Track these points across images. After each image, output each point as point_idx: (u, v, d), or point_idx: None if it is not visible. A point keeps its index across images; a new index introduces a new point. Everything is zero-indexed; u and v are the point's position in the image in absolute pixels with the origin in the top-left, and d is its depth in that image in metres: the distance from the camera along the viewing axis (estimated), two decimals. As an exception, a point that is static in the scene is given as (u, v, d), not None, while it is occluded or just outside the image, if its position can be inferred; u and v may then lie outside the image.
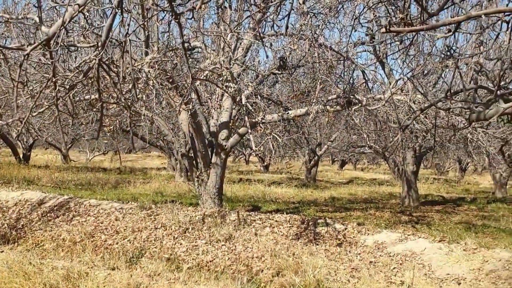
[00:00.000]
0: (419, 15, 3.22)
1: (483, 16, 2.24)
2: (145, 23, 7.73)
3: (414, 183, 16.97)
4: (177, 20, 3.06)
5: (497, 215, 14.34)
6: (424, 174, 34.95)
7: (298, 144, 22.22)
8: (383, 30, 2.37)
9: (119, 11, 3.17)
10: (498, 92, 3.55)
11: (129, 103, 5.41)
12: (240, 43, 10.94)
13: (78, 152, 39.93)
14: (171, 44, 8.61)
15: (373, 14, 7.55)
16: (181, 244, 9.49)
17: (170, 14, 3.12)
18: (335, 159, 40.71)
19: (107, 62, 3.72)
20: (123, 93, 5.49)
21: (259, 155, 25.64)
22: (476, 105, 3.60)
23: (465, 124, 5.87)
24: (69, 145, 33.02)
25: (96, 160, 35.76)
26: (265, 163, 32.63)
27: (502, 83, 3.78)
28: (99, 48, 3.29)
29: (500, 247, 8.58)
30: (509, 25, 2.40)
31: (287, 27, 3.54)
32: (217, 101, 11.20)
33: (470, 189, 25.70)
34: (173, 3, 3.10)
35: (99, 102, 3.90)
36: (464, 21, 2.35)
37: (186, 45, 10.64)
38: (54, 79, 3.34)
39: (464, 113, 4.24)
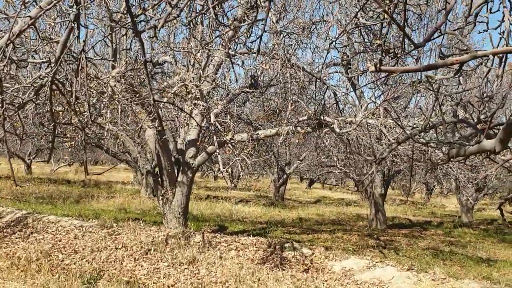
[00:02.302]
0: (397, 42, 3.03)
1: (490, 56, 2.04)
2: (111, 36, 7.43)
3: (382, 206, 16.91)
4: (138, 38, 2.79)
5: (463, 241, 14.35)
6: (390, 195, 35.08)
7: (267, 164, 22.03)
8: (373, 68, 2.14)
9: (76, 25, 2.89)
10: (478, 126, 3.39)
11: (91, 120, 5.08)
12: (211, 60, 10.69)
13: (42, 162, 38.88)
14: (139, 58, 8.31)
15: (348, 37, 7.40)
16: (142, 266, 9.08)
17: (132, 31, 2.86)
18: (304, 177, 40.52)
19: (61, 80, 3.42)
20: (84, 110, 5.17)
21: (228, 174, 25.34)
22: (456, 140, 3.42)
23: (444, 159, 5.71)
24: (33, 156, 32.14)
25: (61, 171, 34.87)
26: (233, 185, 32.38)
27: (482, 116, 3.62)
28: (53, 65, 2.99)
29: (469, 277, 8.45)
30: (503, 60, 2.22)
31: (258, 50, 3.30)
32: (185, 119, 10.89)
33: (436, 212, 25.86)
34: (135, 20, 2.83)
35: (51, 122, 3.59)
36: (468, 61, 2.15)
37: (154, 60, 10.32)
38: (0, 97, 3.03)
39: (443, 147, 4.07)
